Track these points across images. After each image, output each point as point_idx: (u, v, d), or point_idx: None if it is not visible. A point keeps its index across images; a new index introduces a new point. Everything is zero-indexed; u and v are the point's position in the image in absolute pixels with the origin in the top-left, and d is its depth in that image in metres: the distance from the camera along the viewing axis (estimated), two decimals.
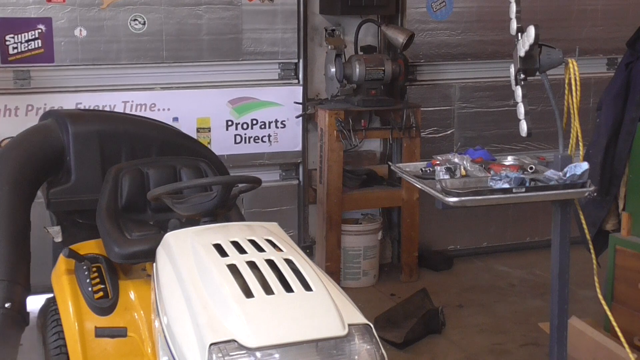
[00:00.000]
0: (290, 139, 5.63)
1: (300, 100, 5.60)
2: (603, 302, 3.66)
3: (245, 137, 5.52)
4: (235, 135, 5.50)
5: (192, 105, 5.38)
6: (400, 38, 5.44)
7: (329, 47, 5.48)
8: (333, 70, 5.39)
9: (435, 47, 5.87)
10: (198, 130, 5.40)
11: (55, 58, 5.06)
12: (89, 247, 3.75)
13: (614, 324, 3.75)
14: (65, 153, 3.92)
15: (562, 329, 3.27)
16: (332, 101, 5.52)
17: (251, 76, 5.55)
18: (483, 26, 5.95)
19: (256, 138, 5.55)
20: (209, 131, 5.43)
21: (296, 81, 5.62)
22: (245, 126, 5.51)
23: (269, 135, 5.57)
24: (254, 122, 5.53)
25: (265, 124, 5.55)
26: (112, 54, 5.18)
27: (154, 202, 3.47)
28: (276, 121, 5.56)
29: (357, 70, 5.34)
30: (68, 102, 5.09)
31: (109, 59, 5.18)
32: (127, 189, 3.75)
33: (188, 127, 5.29)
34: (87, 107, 5.10)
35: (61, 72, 5.14)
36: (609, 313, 3.78)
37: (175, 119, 5.31)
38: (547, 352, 3.33)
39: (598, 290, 3.52)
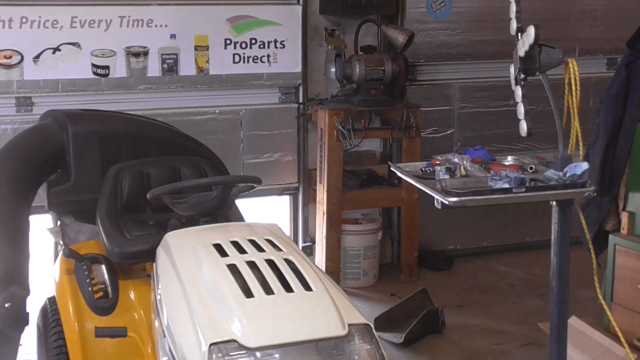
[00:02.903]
0: (289, 60, 5.54)
1: (301, 100, 5.60)
2: (603, 302, 3.66)
3: (244, 57, 5.43)
4: (234, 55, 5.42)
5: (189, 22, 5.30)
6: (400, 38, 5.44)
7: (329, 47, 5.49)
8: (333, 70, 5.39)
9: (435, 47, 5.87)
10: (196, 48, 5.32)
11: None
12: (89, 247, 3.76)
13: (614, 324, 3.75)
14: (65, 153, 3.92)
15: (562, 329, 3.27)
16: (332, 101, 5.52)
17: None
18: (483, 26, 5.96)
19: (255, 58, 5.46)
20: (207, 49, 5.35)
21: (295, 0, 5.55)
22: (244, 45, 5.43)
23: (268, 56, 5.48)
24: (253, 41, 5.44)
25: (264, 43, 5.47)
26: None
27: (154, 202, 3.47)
28: (275, 41, 5.49)
29: (357, 70, 5.34)
30: (63, 15, 5.01)
31: None
32: (127, 189, 3.75)
33: (186, 45, 5.26)
34: (82, 21, 5.06)
35: None
36: (608, 313, 3.78)
37: (173, 36, 5.26)
38: (547, 352, 3.33)
39: (598, 290, 3.51)
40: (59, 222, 3.99)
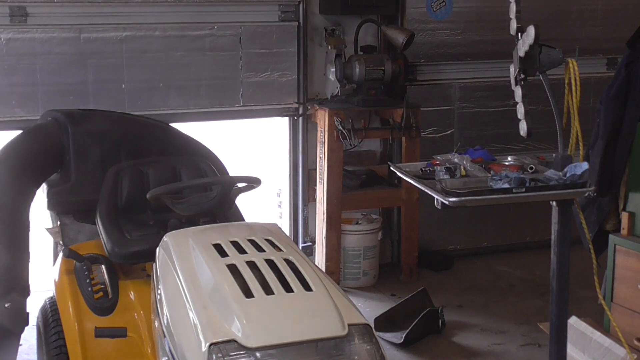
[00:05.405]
0: None
1: (301, 100, 5.60)
2: (603, 302, 3.66)
3: None
4: None
5: None
6: (400, 38, 5.44)
7: (329, 47, 5.48)
8: (333, 70, 5.38)
9: (435, 47, 5.87)
10: None
11: None
12: (89, 247, 3.76)
13: (614, 324, 3.76)
14: (65, 153, 3.92)
15: (562, 329, 3.27)
16: (332, 101, 5.52)
17: None
18: (483, 26, 5.95)
19: None
20: None
21: None
22: None
23: None
24: None
25: None
26: None
27: (154, 202, 3.47)
28: None
29: (357, 70, 5.34)
30: None
31: None
32: (127, 189, 3.75)
33: None
34: None
35: None
36: (609, 313, 3.79)
37: None
38: (547, 352, 3.33)
39: (598, 290, 3.52)
40: (58, 222, 3.99)
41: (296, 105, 5.62)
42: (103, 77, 5.06)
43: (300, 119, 5.61)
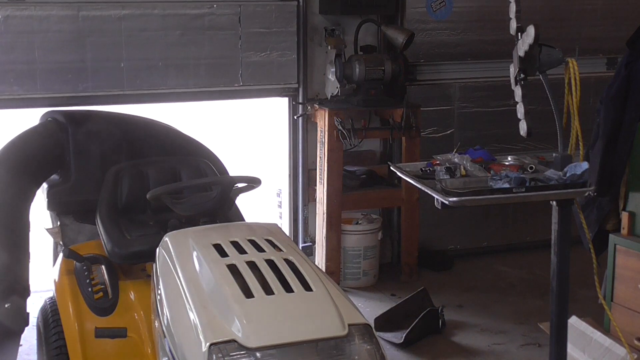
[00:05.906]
0: None
1: (301, 100, 5.59)
2: (603, 302, 3.66)
3: None
4: None
5: None
6: (400, 38, 5.44)
7: (329, 47, 5.48)
8: (333, 70, 5.38)
9: (435, 46, 5.87)
10: None
11: None
12: (89, 247, 3.76)
13: (614, 324, 3.76)
14: (65, 153, 3.92)
15: (562, 329, 3.27)
16: (332, 101, 5.51)
17: None
18: (483, 26, 5.95)
19: None
20: None
21: None
22: None
23: None
24: None
25: None
26: None
27: (154, 203, 3.47)
28: None
29: (357, 70, 5.34)
30: None
31: None
32: (127, 189, 3.75)
33: None
34: None
35: None
36: (609, 313, 3.79)
37: None
38: (547, 352, 3.33)
39: (598, 290, 3.52)
40: (58, 222, 3.99)
41: (296, 85, 5.59)
42: (102, 56, 5.03)
43: (300, 119, 5.61)
